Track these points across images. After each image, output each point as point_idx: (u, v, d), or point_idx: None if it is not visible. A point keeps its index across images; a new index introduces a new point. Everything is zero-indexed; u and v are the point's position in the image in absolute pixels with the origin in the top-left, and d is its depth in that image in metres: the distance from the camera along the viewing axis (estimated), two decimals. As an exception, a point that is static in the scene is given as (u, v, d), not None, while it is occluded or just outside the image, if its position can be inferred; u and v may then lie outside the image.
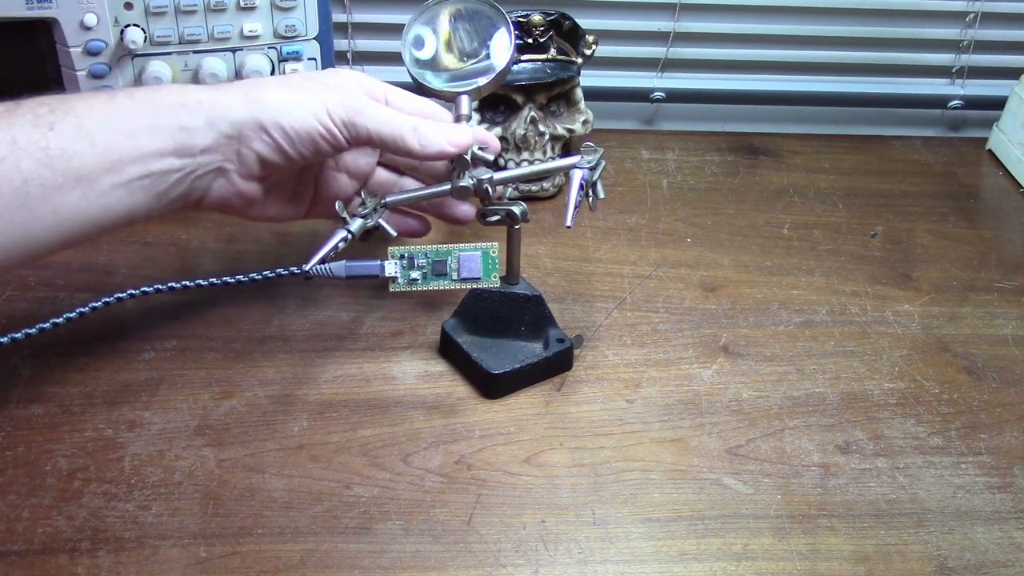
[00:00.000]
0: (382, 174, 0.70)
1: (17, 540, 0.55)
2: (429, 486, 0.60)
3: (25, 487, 0.58)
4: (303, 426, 0.64)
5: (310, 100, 0.60)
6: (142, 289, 0.59)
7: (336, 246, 0.61)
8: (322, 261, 0.61)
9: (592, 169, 0.64)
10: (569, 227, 0.62)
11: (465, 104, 0.67)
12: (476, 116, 0.86)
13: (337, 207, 0.63)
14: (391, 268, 0.63)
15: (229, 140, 0.59)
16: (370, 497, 0.59)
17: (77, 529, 0.56)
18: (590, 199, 0.64)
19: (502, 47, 0.68)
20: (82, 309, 0.58)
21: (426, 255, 0.63)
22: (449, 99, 0.67)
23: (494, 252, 0.64)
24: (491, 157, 0.65)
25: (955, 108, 1.04)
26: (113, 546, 0.55)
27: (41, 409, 0.64)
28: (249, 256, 0.78)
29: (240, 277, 0.60)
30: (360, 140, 0.61)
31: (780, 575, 0.56)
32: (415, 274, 0.63)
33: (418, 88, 0.68)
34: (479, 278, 0.64)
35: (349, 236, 0.62)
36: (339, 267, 0.62)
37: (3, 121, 0.55)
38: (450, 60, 0.68)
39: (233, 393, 0.66)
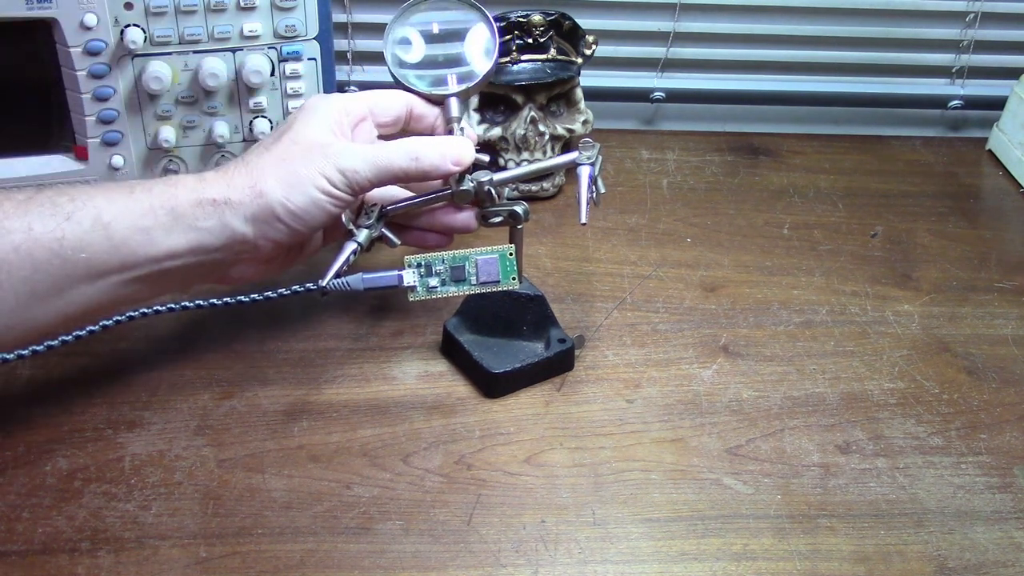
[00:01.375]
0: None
1: (17, 540, 0.55)
2: (429, 486, 0.60)
3: (25, 487, 0.58)
4: (303, 426, 0.64)
5: (308, 173, 0.59)
6: (155, 308, 0.59)
7: (348, 259, 0.61)
8: (337, 275, 0.61)
9: (593, 165, 0.64)
10: (584, 224, 0.62)
11: (455, 107, 0.66)
12: (476, 116, 0.86)
13: (344, 218, 0.62)
14: (409, 277, 0.62)
15: (243, 238, 0.59)
16: (370, 497, 0.59)
17: (77, 529, 0.56)
18: (594, 195, 0.64)
19: (486, 48, 0.68)
20: (92, 328, 0.58)
21: (443, 261, 0.63)
22: (436, 101, 0.67)
23: (511, 255, 0.64)
24: (488, 158, 0.65)
25: (955, 108, 1.04)
26: (113, 546, 0.55)
27: (41, 409, 0.64)
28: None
29: (255, 296, 0.60)
30: (365, 189, 0.61)
31: (780, 575, 0.56)
32: (433, 281, 0.63)
33: (402, 90, 0.68)
34: (498, 281, 0.64)
35: (359, 248, 0.62)
36: (356, 280, 0.61)
37: (21, 208, 0.55)
38: (434, 61, 0.68)
39: (233, 393, 0.66)
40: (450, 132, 0.66)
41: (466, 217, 0.67)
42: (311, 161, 0.60)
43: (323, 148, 0.60)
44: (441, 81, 0.67)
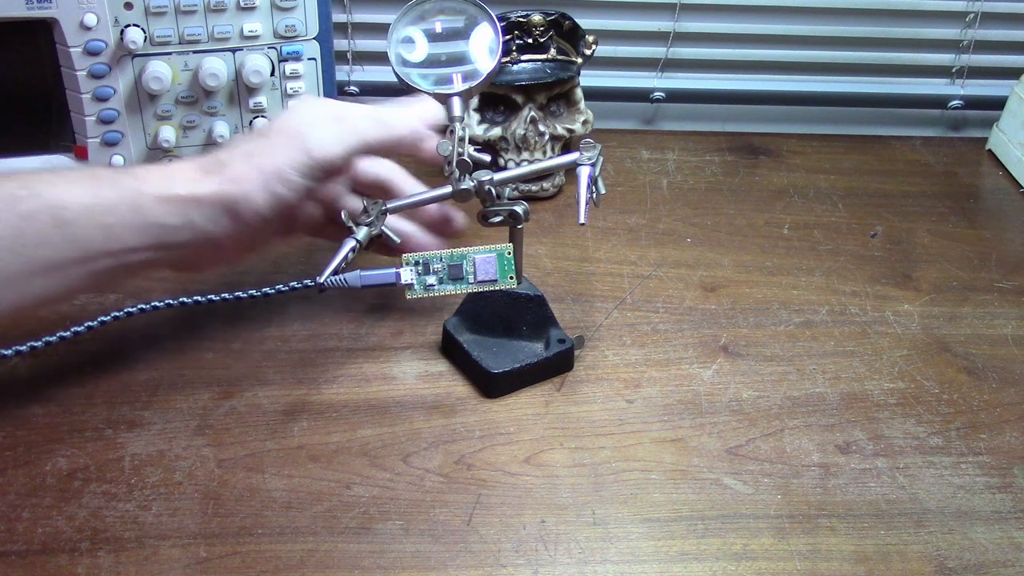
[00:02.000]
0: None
1: (17, 540, 0.55)
2: (429, 486, 0.60)
3: (25, 487, 0.58)
4: (303, 426, 0.64)
5: (276, 166, 0.59)
6: (153, 304, 0.59)
7: (346, 256, 0.61)
8: (335, 272, 0.61)
9: (593, 165, 0.64)
10: (583, 224, 0.62)
11: (457, 106, 0.66)
12: (476, 116, 0.86)
13: (343, 216, 0.62)
14: (407, 275, 0.62)
15: (208, 234, 0.59)
16: (370, 497, 0.59)
17: (77, 529, 0.56)
18: (594, 195, 0.64)
19: (489, 47, 0.68)
20: (90, 323, 0.58)
21: (441, 260, 0.63)
22: (439, 101, 0.67)
23: (509, 253, 0.63)
24: (488, 158, 0.65)
25: (955, 108, 1.04)
26: (113, 546, 0.55)
27: (41, 409, 0.64)
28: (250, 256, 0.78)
29: (252, 292, 0.60)
30: (337, 166, 0.61)
31: (780, 575, 0.56)
32: (431, 279, 0.62)
33: (405, 89, 0.68)
34: (496, 280, 0.63)
35: (357, 245, 0.62)
36: (354, 277, 0.61)
37: None
38: (437, 60, 0.68)
39: (233, 393, 0.66)
40: (452, 131, 0.66)
41: (457, 220, 0.67)
42: (278, 153, 0.59)
43: (291, 136, 0.60)
44: (445, 80, 0.67)
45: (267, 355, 0.69)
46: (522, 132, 0.85)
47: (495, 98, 0.86)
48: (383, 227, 0.64)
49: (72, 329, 0.57)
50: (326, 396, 0.66)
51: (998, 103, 1.00)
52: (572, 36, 0.87)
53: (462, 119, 0.66)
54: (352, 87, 0.97)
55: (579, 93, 0.89)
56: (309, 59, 0.79)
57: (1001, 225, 0.89)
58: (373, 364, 0.69)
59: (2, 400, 0.64)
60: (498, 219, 0.65)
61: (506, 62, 0.84)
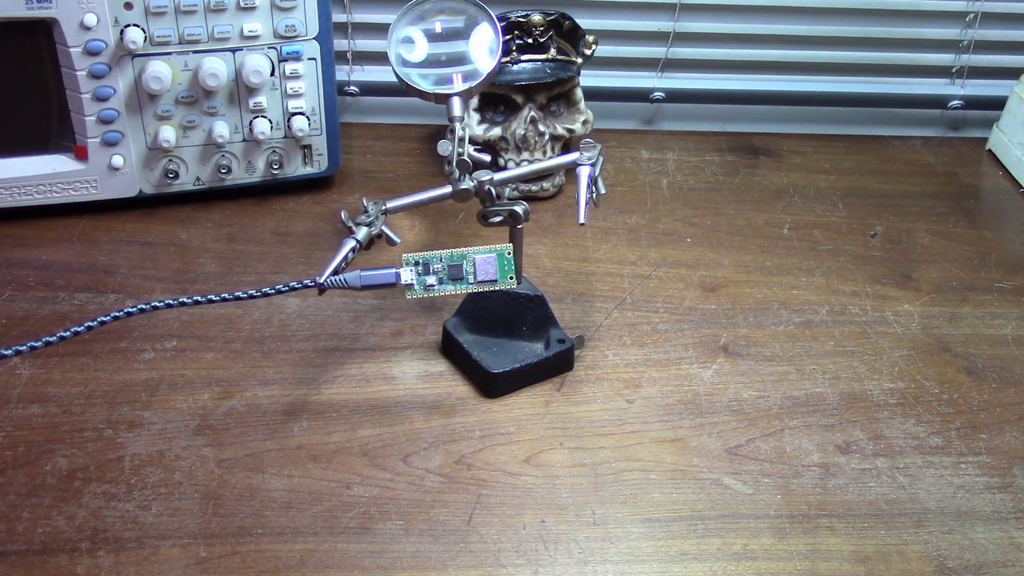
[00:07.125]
0: None
1: (17, 540, 0.55)
2: (429, 486, 0.60)
3: (25, 487, 0.58)
4: (303, 426, 0.64)
5: None
6: (153, 305, 0.59)
7: (346, 256, 0.61)
8: (335, 272, 0.61)
9: (593, 165, 0.64)
10: (583, 224, 0.62)
11: (457, 106, 0.66)
12: (476, 116, 0.86)
13: (343, 216, 0.63)
14: (407, 275, 0.61)
15: None
16: (370, 497, 0.59)
17: (77, 529, 0.56)
18: (594, 195, 0.64)
19: (489, 47, 0.68)
20: (90, 323, 0.58)
21: (441, 260, 0.62)
22: (439, 101, 0.67)
23: (509, 254, 0.63)
24: (488, 158, 0.65)
25: (955, 108, 1.04)
26: (113, 546, 0.55)
27: (41, 409, 0.64)
28: (249, 256, 0.78)
29: (252, 292, 0.60)
30: None
31: (780, 575, 0.56)
32: (431, 280, 0.62)
33: (405, 89, 0.68)
34: (496, 280, 0.63)
35: (357, 245, 0.62)
36: (354, 277, 0.61)
37: None
38: (437, 60, 0.68)
39: (233, 393, 0.66)
40: (452, 131, 0.66)
41: None
42: None
43: None
44: (445, 80, 0.67)
45: (267, 355, 0.69)
46: (522, 132, 0.85)
47: (495, 98, 0.86)
48: (383, 227, 0.64)
49: (72, 329, 0.57)
50: (326, 396, 0.66)
51: (998, 103, 1.00)
52: (572, 36, 0.87)
53: (462, 119, 0.66)
54: (352, 87, 0.97)
55: (579, 93, 0.89)
56: (309, 59, 0.79)
57: (1001, 225, 0.89)
58: (373, 364, 0.69)
59: (2, 400, 0.64)
60: (498, 219, 0.65)
61: (506, 62, 0.84)
